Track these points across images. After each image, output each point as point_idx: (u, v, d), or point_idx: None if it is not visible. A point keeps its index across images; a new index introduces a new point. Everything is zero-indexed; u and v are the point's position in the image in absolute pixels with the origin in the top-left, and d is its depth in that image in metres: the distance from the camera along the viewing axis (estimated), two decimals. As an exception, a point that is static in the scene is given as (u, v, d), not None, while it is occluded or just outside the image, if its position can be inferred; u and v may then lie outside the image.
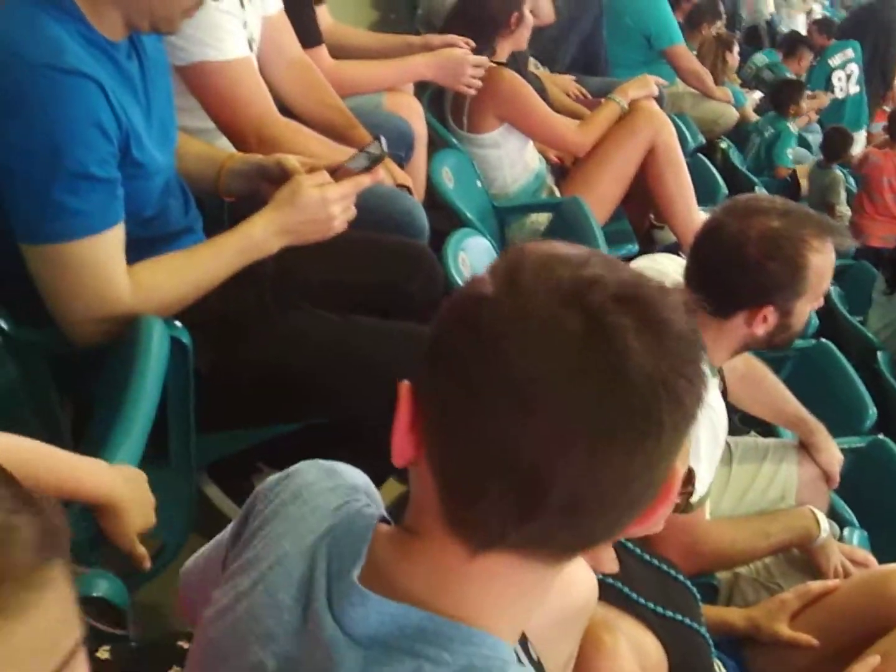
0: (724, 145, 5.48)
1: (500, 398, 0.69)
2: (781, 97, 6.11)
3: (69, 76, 1.41)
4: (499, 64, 3.16)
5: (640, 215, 3.68)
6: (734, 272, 1.76)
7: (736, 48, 6.24)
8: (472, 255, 2.45)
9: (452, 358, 0.73)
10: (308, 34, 2.50)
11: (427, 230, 2.15)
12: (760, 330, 1.79)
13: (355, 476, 0.93)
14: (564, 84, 4.23)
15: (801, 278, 1.74)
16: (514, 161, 3.27)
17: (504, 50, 3.22)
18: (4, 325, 1.57)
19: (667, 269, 2.06)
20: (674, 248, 3.67)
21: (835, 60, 7.48)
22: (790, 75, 7.13)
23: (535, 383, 0.68)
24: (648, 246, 3.75)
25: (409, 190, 2.24)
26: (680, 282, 1.92)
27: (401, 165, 2.45)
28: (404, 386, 0.77)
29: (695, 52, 5.98)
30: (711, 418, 1.78)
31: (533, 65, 4.05)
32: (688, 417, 0.72)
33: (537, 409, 0.68)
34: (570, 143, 3.35)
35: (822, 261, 1.75)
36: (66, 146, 1.41)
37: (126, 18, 1.53)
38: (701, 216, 3.45)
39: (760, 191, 4.99)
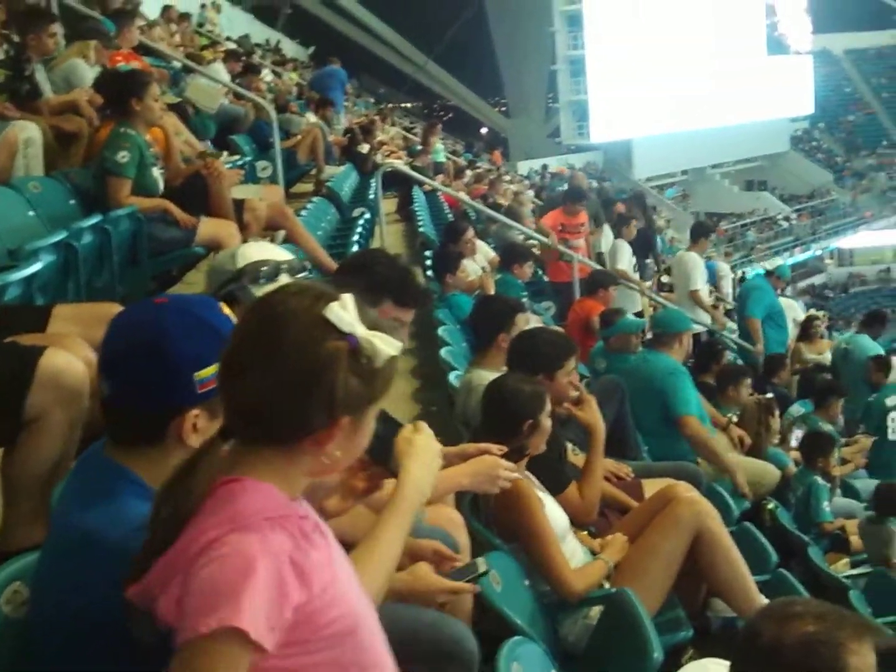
0: (770, 506, 5.41)
1: None
2: (809, 452, 6.03)
3: None
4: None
5: (693, 594, 3.67)
6: None
7: (777, 411, 6.26)
8: (526, 664, 2.46)
9: None
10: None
11: (477, 655, 2.18)
12: None
13: None
14: (607, 467, 4.34)
15: None
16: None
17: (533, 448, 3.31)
18: None
19: (716, 678, 2.06)
20: (731, 622, 3.67)
21: (892, 400, 7.29)
22: (823, 425, 6.88)
23: None
24: (704, 623, 3.74)
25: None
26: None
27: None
28: None
29: (736, 418, 6.15)
30: None
31: (571, 451, 4.21)
32: None
33: None
34: (562, 583, 3.18)
35: (860, 662, 1.74)
36: None
37: None
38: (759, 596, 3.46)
39: (812, 550, 4.94)
